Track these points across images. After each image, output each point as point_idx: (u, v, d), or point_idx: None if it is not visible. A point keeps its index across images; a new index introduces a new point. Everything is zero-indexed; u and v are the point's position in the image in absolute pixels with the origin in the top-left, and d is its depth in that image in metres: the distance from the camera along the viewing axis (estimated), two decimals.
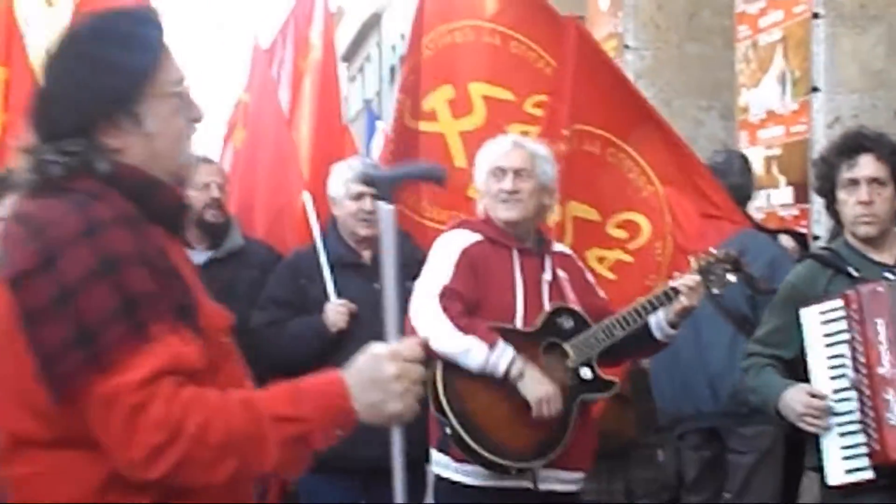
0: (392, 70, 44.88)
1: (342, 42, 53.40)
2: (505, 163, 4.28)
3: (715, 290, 4.22)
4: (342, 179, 5.13)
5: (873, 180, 3.98)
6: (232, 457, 2.05)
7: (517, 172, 4.24)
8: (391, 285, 2.32)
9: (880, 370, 3.71)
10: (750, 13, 7.55)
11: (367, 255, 5.08)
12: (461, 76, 5.57)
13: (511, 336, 4.04)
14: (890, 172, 3.99)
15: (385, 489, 2.46)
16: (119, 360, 2.00)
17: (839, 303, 3.83)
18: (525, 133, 5.04)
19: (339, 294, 4.96)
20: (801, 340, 3.93)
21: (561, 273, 4.23)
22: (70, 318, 2.01)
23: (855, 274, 3.93)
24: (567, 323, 4.11)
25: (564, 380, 4.06)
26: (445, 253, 4.21)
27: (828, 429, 3.80)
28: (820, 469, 3.87)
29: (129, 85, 2.17)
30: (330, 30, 6.48)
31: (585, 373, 4.08)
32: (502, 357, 3.94)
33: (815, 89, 6.67)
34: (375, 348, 2.19)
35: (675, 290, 4.08)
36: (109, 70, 2.16)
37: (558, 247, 4.42)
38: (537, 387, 3.95)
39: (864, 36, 6.60)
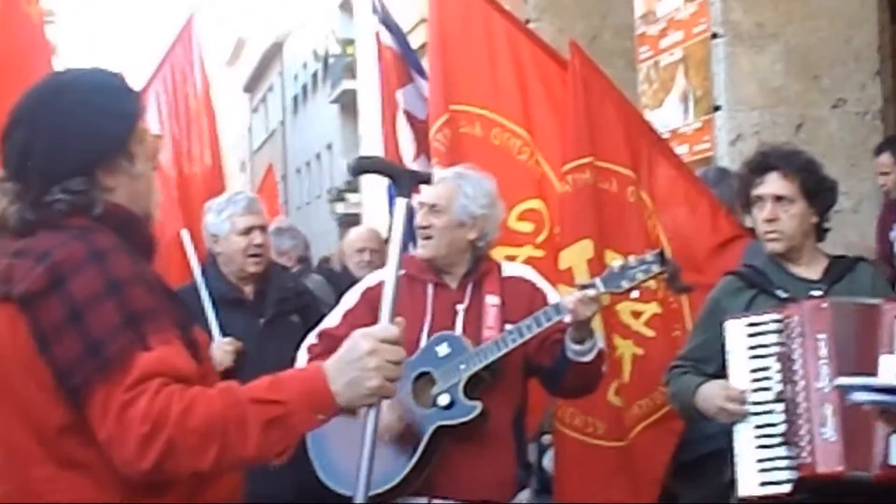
0: (295, 99, 44.81)
1: (243, 73, 53.15)
2: (423, 197, 4.28)
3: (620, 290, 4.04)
4: (226, 215, 4.98)
5: (778, 198, 4.04)
6: (215, 440, 2.15)
7: (430, 207, 4.20)
8: (392, 274, 2.49)
9: (818, 384, 3.73)
10: (650, 34, 7.66)
11: (248, 290, 4.99)
12: (598, 234, 5.06)
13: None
14: (798, 189, 4.03)
15: None
16: (121, 367, 2.15)
17: (772, 317, 3.85)
18: None
19: (224, 332, 4.83)
20: (723, 356, 3.94)
21: (490, 299, 4.16)
22: (81, 333, 2.17)
23: (783, 295, 3.96)
24: (443, 350, 4.06)
25: (412, 408, 4.04)
26: (347, 297, 4.28)
27: (745, 417, 3.82)
28: (735, 482, 3.87)
29: (127, 129, 2.40)
30: (205, 77, 6.81)
31: (442, 399, 4.02)
32: None
33: (716, 108, 6.80)
34: (356, 332, 2.33)
35: (564, 306, 3.96)
36: (110, 116, 2.38)
37: (512, 271, 4.31)
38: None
39: (762, 54, 6.75)
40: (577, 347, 3.99)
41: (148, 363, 2.16)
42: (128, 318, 2.19)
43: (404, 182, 2.61)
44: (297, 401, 2.21)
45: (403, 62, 6.87)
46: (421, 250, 4.22)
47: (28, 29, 6.09)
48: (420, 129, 6.54)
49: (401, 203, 2.54)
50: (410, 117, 6.70)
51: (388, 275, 2.49)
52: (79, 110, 2.35)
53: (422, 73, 6.95)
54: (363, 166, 2.84)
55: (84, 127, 2.34)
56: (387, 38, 6.92)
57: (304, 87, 42.79)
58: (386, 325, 2.39)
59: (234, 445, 2.16)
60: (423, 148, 6.24)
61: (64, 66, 2.49)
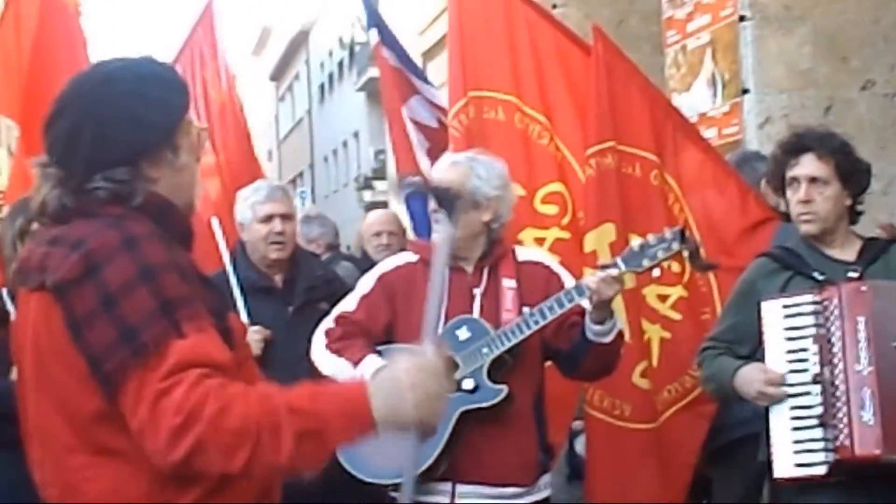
0: (321, 87, 44.83)
1: (269, 62, 53.23)
2: (436, 181, 4.29)
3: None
4: (249, 203, 5.06)
5: (813, 179, 4.02)
6: (247, 443, 2.12)
7: None
8: (435, 306, 2.44)
9: (857, 367, 3.73)
10: (678, 18, 7.62)
11: (278, 278, 5.04)
12: (621, 218, 5.11)
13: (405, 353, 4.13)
14: (833, 171, 4.02)
15: None
16: (157, 354, 2.15)
17: (809, 298, 3.85)
18: None
19: (252, 319, 4.86)
20: (757, 337, 3.93)
21: (507, 283, 4.18)
22: (115, 320, 2.17)
23: (820, 277, 3.94)
24: (463, 334, 4.08)
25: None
26: (363, 281, 4.31)
27: (783, 399, 3.82)
28: (770, 463, 3.88)
29: (173, 120, 2.40)
30: (228, 70, 6.87)
31: (467, 383, 4.04)
32: (365, 371, 3.95)
33: (745, 91, 6.77)
34: (399, 361, 2.29)
35: (587, 286, 3.98)
36: (157, 107, 2.37)
37: (527, 255, 4.35)
38: None
39: (790, 37, 6.72)
40: (598, 328, 3.99)
41: (182, 351, 2.15)
42: (161, 304, 2.19)
43: (453, 203, 2.55)
44: (335, 416, 2.17)
45: (402, 74, 6.87)
46: (437, 234, 4.25)
47: (64, 20, 6.17)
48: (431, 134, 6.56)
49: (444, 230, 2.45)
50: (421, 127, 6.71)
51: (430, 304, 2.44)
52: (126, 100, 2.35)
53: (424, 78, 6.97)
54: (409, 189, 2.80)
55: (130, 117, 2.33)
56: (383, 51, 6.92)
57: (331, 76, 42.80)
58: (430, 358, 2.31)
59: (266, 452, 2.13)
60: (438, 152, 6.24)
61: (93, 56, 2.45)
